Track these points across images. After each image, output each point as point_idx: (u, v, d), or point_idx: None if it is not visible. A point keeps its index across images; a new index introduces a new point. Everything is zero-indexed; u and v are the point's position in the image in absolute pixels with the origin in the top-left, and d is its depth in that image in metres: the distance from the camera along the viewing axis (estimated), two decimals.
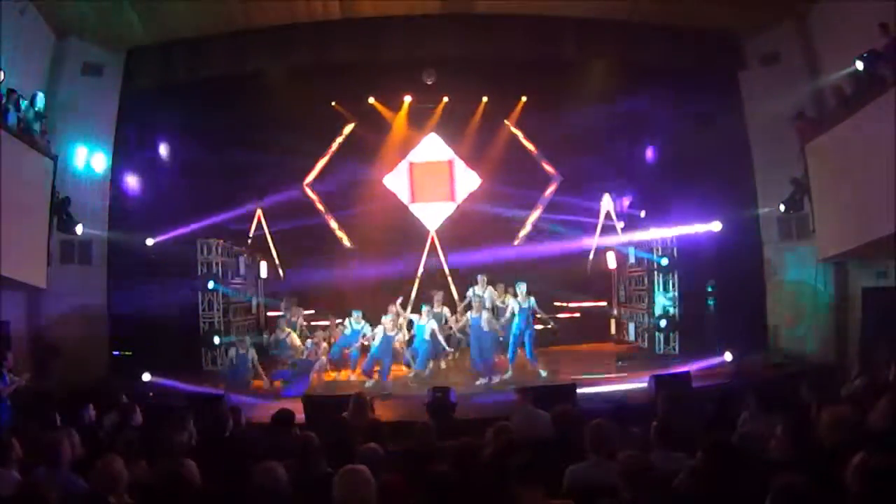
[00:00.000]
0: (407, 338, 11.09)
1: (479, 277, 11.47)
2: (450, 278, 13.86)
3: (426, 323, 10.57)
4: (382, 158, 14.69)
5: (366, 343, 10.96)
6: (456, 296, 13.13)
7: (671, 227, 12.14)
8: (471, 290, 11.48)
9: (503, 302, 11.29)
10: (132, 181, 12.02)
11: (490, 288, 11.57)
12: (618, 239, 14.34)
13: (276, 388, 10.29)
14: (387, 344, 10.36)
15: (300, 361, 10.58)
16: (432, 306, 11.09)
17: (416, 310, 11.52)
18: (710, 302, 12.42)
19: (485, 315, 10.46)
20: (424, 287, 13.37)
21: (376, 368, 10.45)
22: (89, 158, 11.19)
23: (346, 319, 11.41)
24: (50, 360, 9.77)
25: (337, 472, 3.25)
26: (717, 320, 11.75)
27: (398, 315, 10.83)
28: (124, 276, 11.46)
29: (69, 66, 10.91)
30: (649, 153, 13.65)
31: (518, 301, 10.50)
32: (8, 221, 8.31)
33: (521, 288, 10.60)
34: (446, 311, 11.61)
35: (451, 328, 11.47)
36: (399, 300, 11.25)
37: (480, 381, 10.18)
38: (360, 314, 11.21)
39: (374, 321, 11.00)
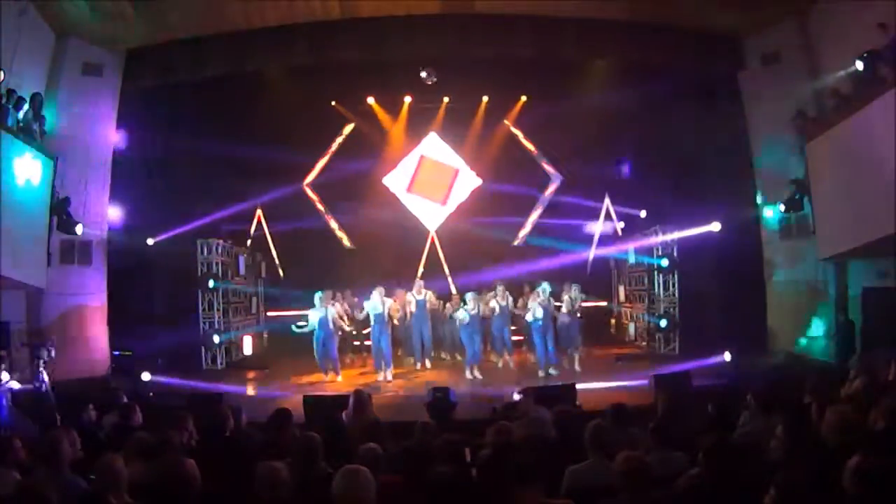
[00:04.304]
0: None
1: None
2: (449, 278, 13.87)
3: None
4: (382, 158, 14.71)
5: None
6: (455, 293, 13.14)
7: (671, 227, 12.14)
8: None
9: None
10: (132, 181, 12.02)
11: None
12: (618, 239, 14.39)
13: None
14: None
15: None
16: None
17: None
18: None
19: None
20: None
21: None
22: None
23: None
24: (48, 359, 9.72)
25: (337, 472, 3.25)
26: (717, 320, 11.75)
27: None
28: (124, 276, 11.47)
29: (69, 66, 10.89)
30: (649, 153, 13.66)
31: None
32: (8, 221, 8.31)
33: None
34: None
35: None
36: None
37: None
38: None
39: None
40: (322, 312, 10.53)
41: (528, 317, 10.60)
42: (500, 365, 11.44)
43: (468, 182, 14.69)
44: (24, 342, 9.46)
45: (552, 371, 10.56)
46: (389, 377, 10.64)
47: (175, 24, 10.92)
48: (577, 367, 11.03)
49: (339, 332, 11.03)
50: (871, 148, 8.56)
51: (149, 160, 11.86)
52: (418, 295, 11.29)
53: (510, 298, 11.11)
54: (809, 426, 4.37)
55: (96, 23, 10.45)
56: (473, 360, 10.80)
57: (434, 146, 14.79)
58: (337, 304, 11.06)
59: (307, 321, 10.67)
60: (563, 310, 10.87)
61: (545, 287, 10.67)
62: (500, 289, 11.04)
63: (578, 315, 11.13)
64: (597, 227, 14.40)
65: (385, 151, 14.71)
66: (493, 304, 10.95)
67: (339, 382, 10.46)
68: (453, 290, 12.97)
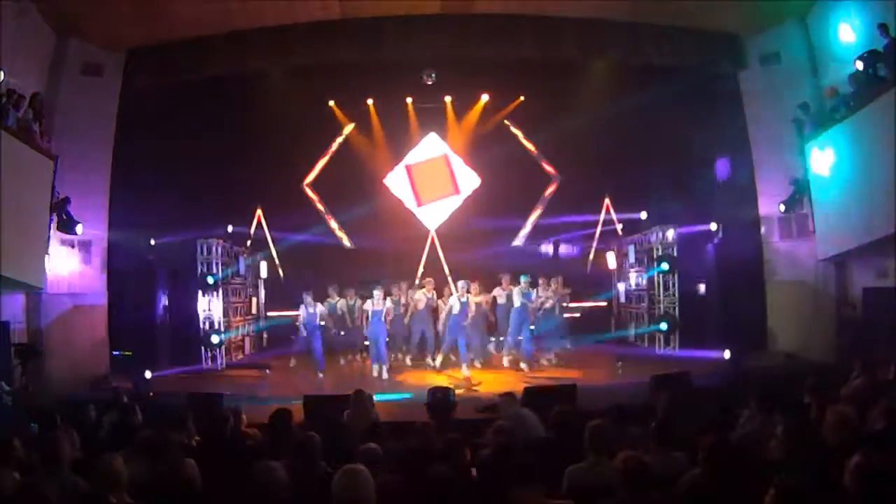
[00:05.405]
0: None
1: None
2: (449, 278, 13.85)
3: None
4: (382, 158, 14.70)
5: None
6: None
7: (671, 227, 12.15)
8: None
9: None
10: (132, 181, 12.02)
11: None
12: (618, 239, 14.41)
13: None
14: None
15: None
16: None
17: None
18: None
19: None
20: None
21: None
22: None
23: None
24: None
25: (336, 472, 3.25)
26: (717, 320, 11.75)
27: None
28: (124, 276, 11.46)
29: (69, 66, 10.90)
30: (649, 153, 13.66)
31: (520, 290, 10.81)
32: (8, 221, 8.31)
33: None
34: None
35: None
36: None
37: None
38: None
39: None
40: (311, 309, 10.93)
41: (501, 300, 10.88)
42: (506, 363, 11.29)
43: (468, 178, 14.65)
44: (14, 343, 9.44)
45: (522, 365, 10.64)
46: (385, 375, 10.64)
47: (175, 24, 10.92)
48: (545, 362, 11.12)
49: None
50: (871, 148, 8.57)
51: (148, 160, 11.85)
52: (427, 294, 11.30)
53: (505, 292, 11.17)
54: (809, 426, 4.37)
55: (96, 23, 10.46)
56: (462, 356, 10.68)
57: (415, 150, 14.70)
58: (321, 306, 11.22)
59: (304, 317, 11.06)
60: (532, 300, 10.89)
61: (525, 278, 10.83)
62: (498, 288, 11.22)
63: (563, 311, 11.24)
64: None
65: (385, 151, 14.69)
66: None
67: (338, 383, 10.45)
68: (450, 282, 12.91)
